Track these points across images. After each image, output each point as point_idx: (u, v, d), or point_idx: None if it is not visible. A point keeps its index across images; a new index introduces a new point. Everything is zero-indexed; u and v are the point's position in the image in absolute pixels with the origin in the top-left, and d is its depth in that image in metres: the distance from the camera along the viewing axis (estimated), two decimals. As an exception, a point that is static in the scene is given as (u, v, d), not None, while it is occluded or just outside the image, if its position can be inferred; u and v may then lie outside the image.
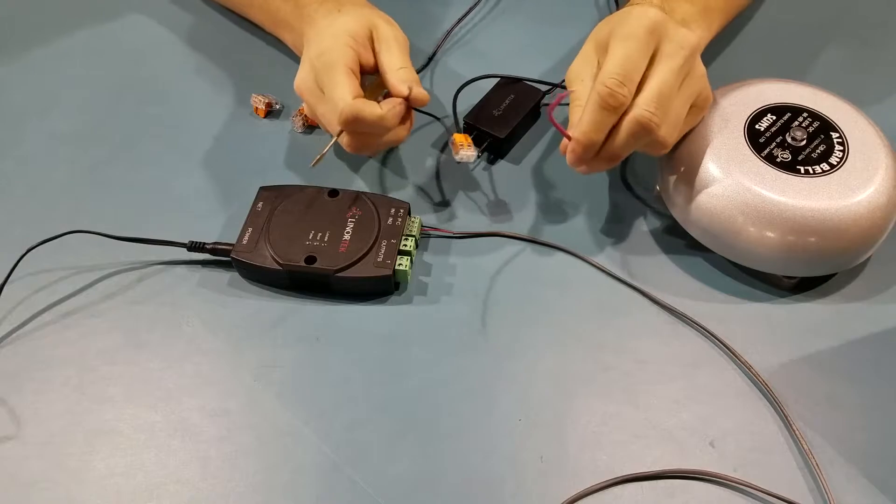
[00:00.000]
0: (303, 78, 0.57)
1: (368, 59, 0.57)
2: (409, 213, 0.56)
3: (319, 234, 0.53)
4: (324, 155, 0.54)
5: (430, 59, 0.68)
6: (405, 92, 0.55)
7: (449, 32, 0.70)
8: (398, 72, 0.56)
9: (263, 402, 0.50)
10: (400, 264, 0.53)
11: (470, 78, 0.62)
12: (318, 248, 0.53)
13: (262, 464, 0.47)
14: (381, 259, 0.53)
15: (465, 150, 0.57)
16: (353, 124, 0.53)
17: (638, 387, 0.50)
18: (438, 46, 0.69)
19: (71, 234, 0.54)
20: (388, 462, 0.47)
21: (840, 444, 0.47)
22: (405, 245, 0.54)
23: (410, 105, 0.56)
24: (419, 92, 0.55)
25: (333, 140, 0.55)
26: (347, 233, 0.54)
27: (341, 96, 0.53)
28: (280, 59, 0.68)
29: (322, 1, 0.60)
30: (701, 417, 0.49)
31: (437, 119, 0.63)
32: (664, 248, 0.56)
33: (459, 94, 0.61)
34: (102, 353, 0.51)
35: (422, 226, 0.56)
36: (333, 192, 0.56)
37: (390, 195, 0.57)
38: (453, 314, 0.53)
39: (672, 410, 0.49)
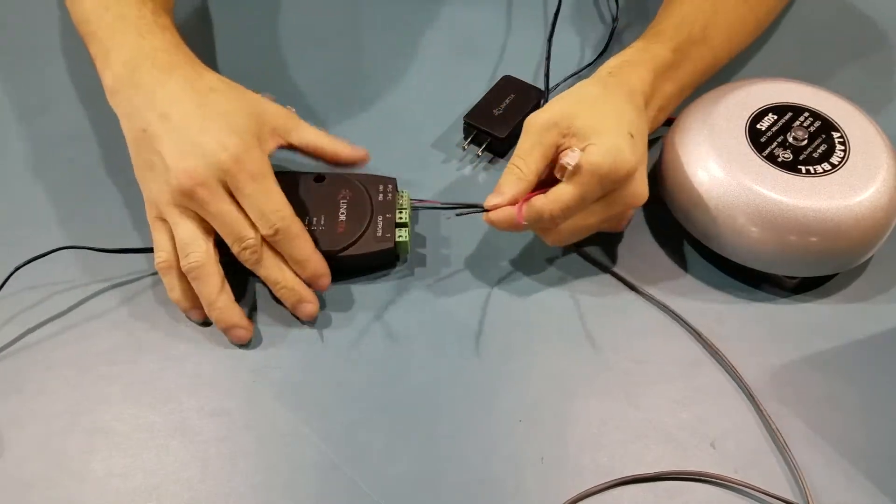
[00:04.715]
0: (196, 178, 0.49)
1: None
2: (397, 188, 0.56)
3: (315, 219, 0.54)
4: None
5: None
6: (351, 154, 0.55)
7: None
8: (324, 139, 0.55)
9: (263, 402, 0.49)
10: (400, 236, 0.54)
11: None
12: (317, 232, 0.53)
13: (262, 464, 0.47)
14: (380, 234, 0.53)
15: None
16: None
17: (638, 387, 0.50)
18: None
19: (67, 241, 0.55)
20: (388, 462, 0.47)
21: (840, 444, 0.47)
22: (400, 217, 0.54)
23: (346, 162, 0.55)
24: (351, 153, 0.55)
25: None
26: (342, 213, 0.54)
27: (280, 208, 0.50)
28: (280, 59, 0.68)
29: (170, 58, 0.53)
30: (701, 418, 0.48)
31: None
32: (664, 248, 0.56)
33: (461, 96, 0.61)
34: (102, 353, 0.51)
35: (411, 199, 0.57)
36: (320, 178, 0.56)
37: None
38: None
39: (672, 410, 0.49)
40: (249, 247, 0.50)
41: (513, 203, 0.50)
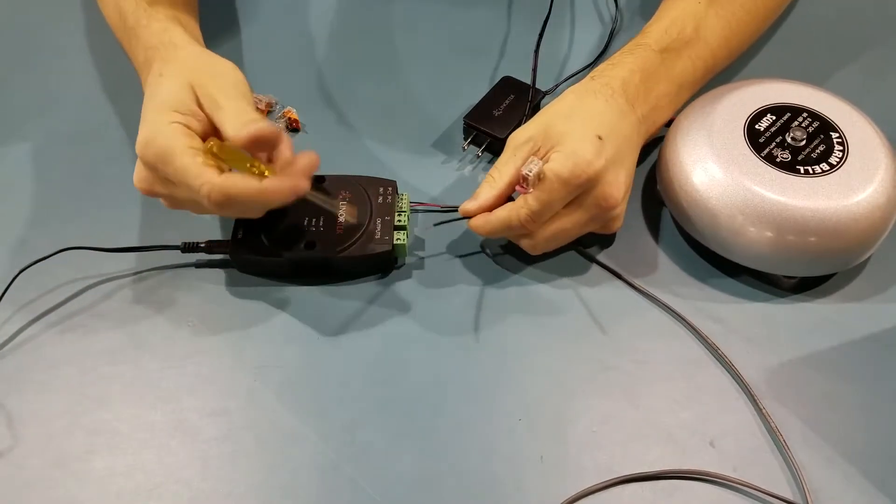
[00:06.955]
0: (140, 178, 0.49)
1: (207, 127, 0.48)
2: (397, 191, 0.57)
3: (314, 220, 0.54)
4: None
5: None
6: (247, 134, 0.46)
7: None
8: (235, 121, 0.47)
9: (263, 401, 0.50)
10: (398, 239, 0.54)
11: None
12: (316, 233, 0.53)
13: (262, 464, 0.47)
14: (378, 236, 0.54)
15: None
16: (228, 207, 0.47)
17: (638, 387, 0.50)
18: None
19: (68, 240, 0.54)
20: (388, 462, 0.47)
21: (840, 444, 0.47)
22: (399, 220, 0.55)
23: (260, 143, 0.47)
24: (263, 128, 0.46)
25: None
26: (341, 215, 0.54)
27: (199, 178, 0.45)
28: (280, 59, 0.68)
29: (154, 54, 0.52)
30: (701, 417, 0.49)
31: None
32: (664, 248, 0.56)
33: (461, 97, 0.61)
34: (102, 353, 0.51)
35: (410, 201, 0.57)
36: (320, 178, 0.56)
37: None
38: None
39: (672, 410, 0.49)
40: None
41: (485, 210, 0.51)
